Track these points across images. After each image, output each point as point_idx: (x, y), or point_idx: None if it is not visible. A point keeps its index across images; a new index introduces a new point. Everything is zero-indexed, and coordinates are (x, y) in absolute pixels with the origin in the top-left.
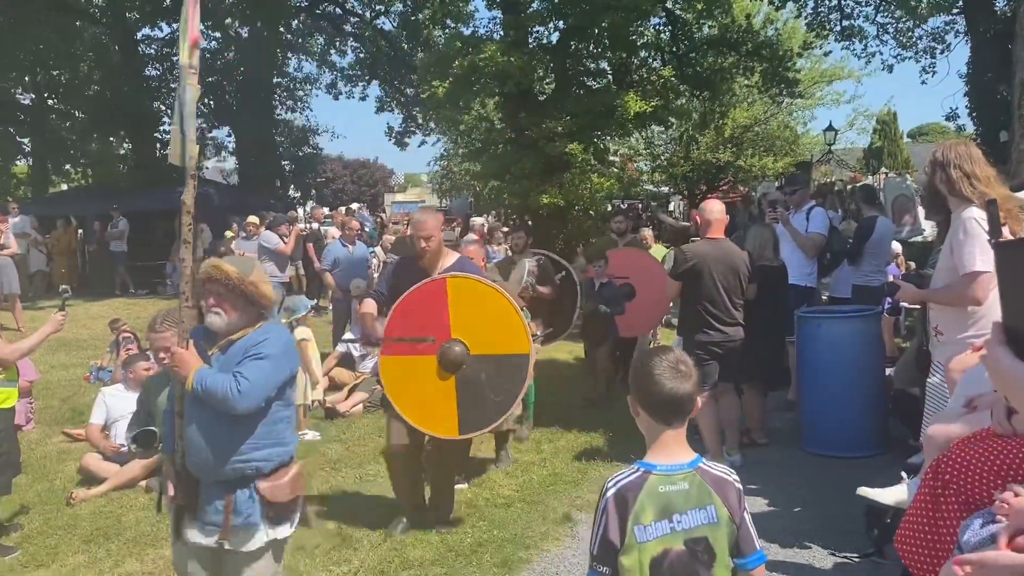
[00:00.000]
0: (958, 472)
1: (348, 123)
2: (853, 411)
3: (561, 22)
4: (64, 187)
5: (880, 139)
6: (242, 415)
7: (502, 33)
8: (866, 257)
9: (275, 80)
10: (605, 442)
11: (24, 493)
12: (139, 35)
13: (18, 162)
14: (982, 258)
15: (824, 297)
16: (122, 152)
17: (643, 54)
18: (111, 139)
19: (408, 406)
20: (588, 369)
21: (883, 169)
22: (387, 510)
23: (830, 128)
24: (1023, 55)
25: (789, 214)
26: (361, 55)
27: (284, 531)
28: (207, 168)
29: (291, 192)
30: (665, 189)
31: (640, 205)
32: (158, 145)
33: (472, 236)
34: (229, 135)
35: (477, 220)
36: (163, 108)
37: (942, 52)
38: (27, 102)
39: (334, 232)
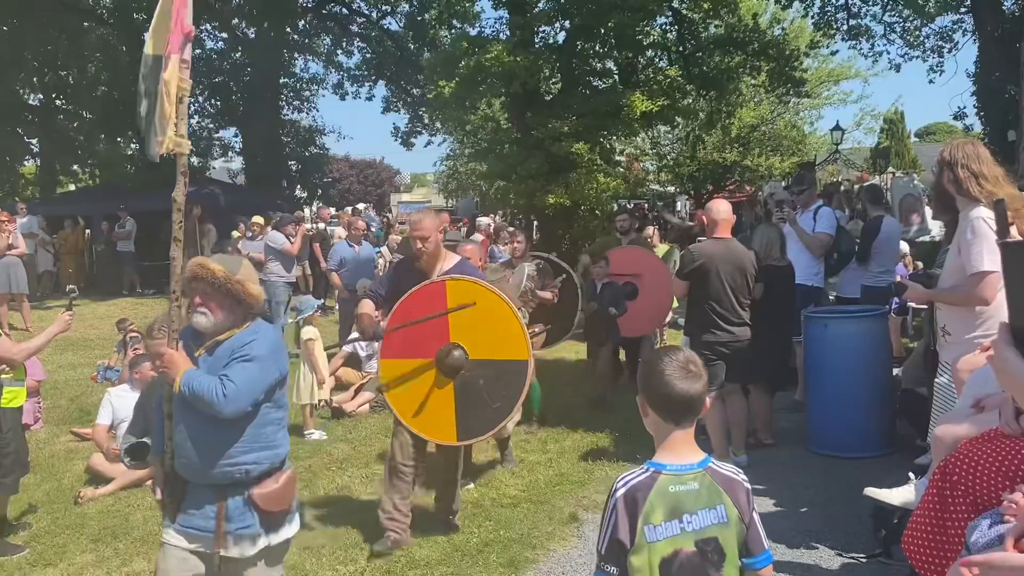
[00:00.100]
0: (966, 473)
1: (354, 123)
2: (860, 411)
3: (567, 22)
4: (72, 187)
5: (887, 139)
6: (230, 418)
7: (508, 33)
8: (874, 256)
9: (282, 80)
10: (611, 442)
11: (32, 492)
12: (146, 35)
13: (26, 162)
14: (990, 258)
15: (831, 297)
16: (129, 152)
17: (649, 54)
18: (118, 139)
19: (407, 411)
20: (590, 369)
21: (890, 169)
22: None
23: (837, 128)
24: None
25: (796, 214)
26: (367, 55)
27: (283, 535)
28: (214, 168)
29: (297, 192)
30: (671, 189)
31: (646, 205)
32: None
33: (477, 236)
34: (236, 135)
35: (483, 220)
36: None
37: (950, 51)
38: (35, 103)
39: (340, 232)
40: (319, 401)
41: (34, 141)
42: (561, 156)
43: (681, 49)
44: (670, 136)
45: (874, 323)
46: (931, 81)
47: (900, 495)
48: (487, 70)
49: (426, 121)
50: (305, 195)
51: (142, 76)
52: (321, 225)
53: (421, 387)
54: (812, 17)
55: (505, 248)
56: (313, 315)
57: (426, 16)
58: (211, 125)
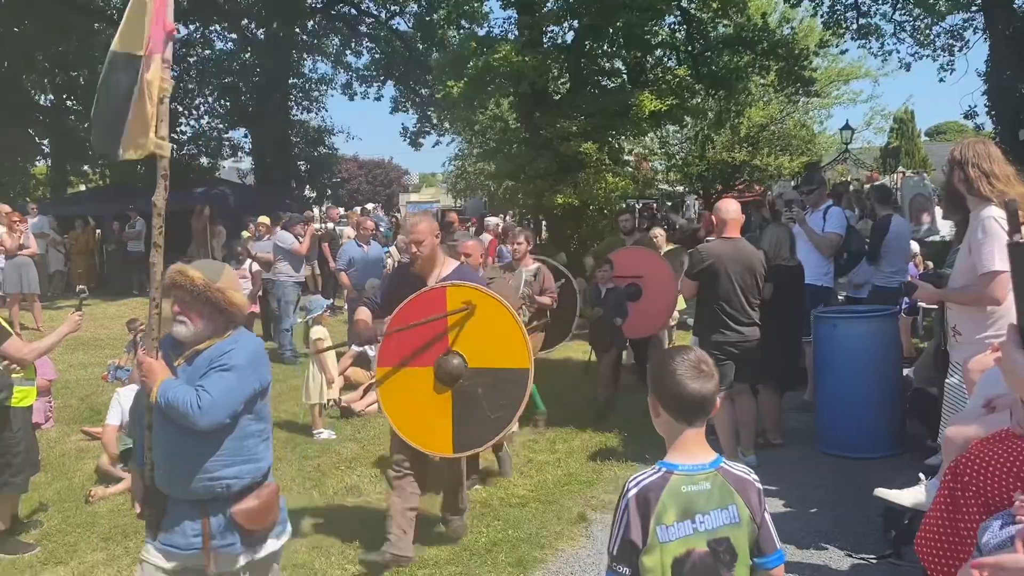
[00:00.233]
0: (977, 473)
1: (363, 124)
2: (870, 412)
3: (576, 22)
4: (82, 188)
5: (897, 138)
6: (206, 431)
7: (517, 33)
8: (885, 256)
9: (291, 81)
10: (620, 442)
11: (43, 491)
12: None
13: (37, 163)
14: (1001, 257)
15: (840, 297)
16: None
17: (658, 53)
18: None
19: (401, 420)
20: (594, 374)
21: (900, 168)
22: None
23: (847, 127)
24: None
25: (806, 214)
26: (376, 56)
27: (268, 548)
28: (224, 168)
29: (307, 192)
30: (680, 188)
31: (655, 204)
32: (174, 146)
33: (486, 236)
34: (245, 136)
35: (492, 220)
36: (180, 109)
37: (960, 50)
38: (46, 103)
39: (349, 232)
40: (328, 400)
41: (45, 141)
42: (570, 156)
43: (690, 48)
44: (679, 136)
45: (884, 323)
46: (941, 80)
47: (910, 496)
48: (495, 70)
49: (434, 121)
50: (314, 195)
51: (104, 75)
52: (330, 225)
53: (418, 396)
54: (821, 16)
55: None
56: (322, 315)
57: (435, 16)
58: (221, 125)
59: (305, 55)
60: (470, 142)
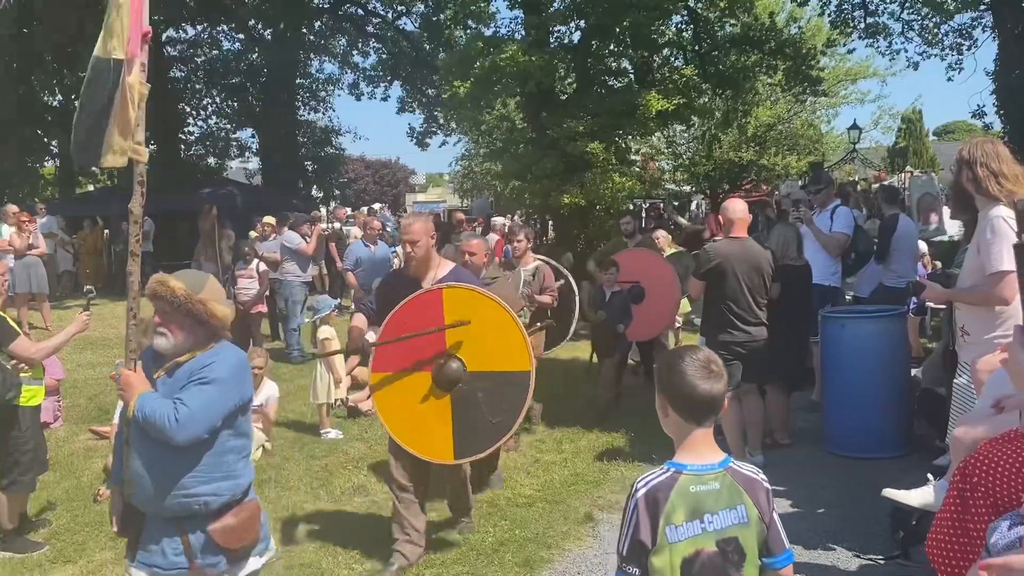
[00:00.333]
0: (986, 474)
1: (370, 124)
2: (877, 412)
3: (583, 21)
4: (90, 188)
5: (905, 138)
6: (184, 446)
7: (523, 33)
8: (894, 254)
9: (298, 81)
10: (626, 442)
11: (52, 490)
12: (163, 37)
13: (46, 163)
14: (1010, 257)
15: (848, 297)
16: None
17: (665, 53)
18: None
19: (399, 426)
20: (594, 378)
21: (908, 168)
22: None
23: (854, 127)
24: None
25: (813, 213)
26: (383, 56)
27: (250, 566)
28: (231, 168)
29: (314, 192)
30: (687, 188)
31: (661, 204)
32: (182, 147)
33: (493, 236)
34: (253, 136)
35: (499, 220)
36: (187, 110)
37: (969, 48)
38: (55, 104)
39: (356, 232)
40: (335, 400)
41: (54, 142)
42: (576, 156)
43: (697, 48)
44: (686, 135)
45: (892, 323)
46: (950, 79)
47: (919, 496)
48: (502, 70)
49: (441, 121)
50: (321, 195)
51: (88, 80)
52: (337, 225)
53: (415, 401)
54: (829, 15)
55: None
56: (330, 315)
57: (441, 16)
58: (228, 126)
59: (312, 55)
60: (477, 142)
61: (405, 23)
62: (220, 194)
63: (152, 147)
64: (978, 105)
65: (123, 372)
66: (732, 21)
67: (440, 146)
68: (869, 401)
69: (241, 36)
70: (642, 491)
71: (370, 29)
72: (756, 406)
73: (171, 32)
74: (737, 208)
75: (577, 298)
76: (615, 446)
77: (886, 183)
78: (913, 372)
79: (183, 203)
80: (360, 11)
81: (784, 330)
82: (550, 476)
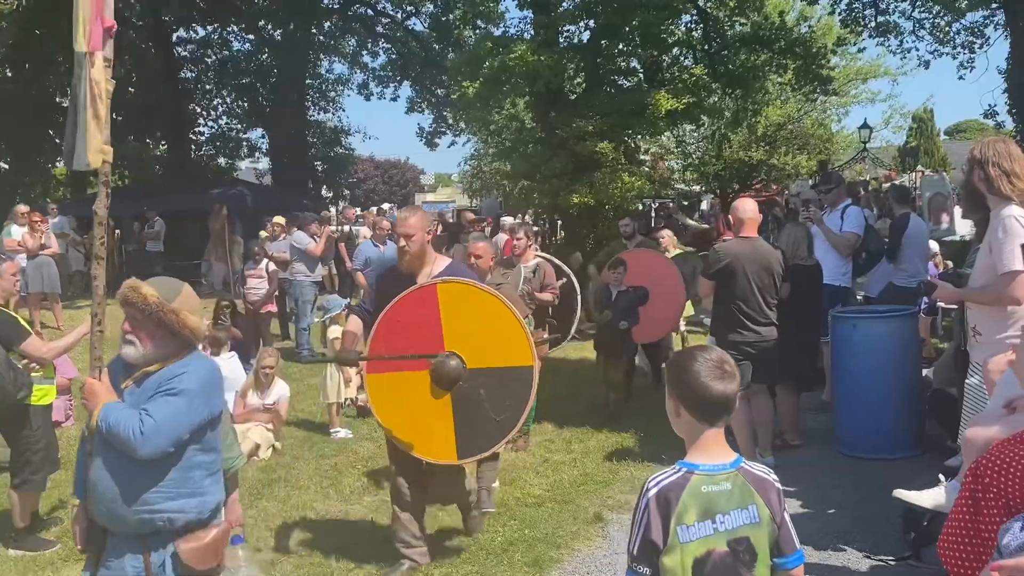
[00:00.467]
0: (998, 474)
1: (379, 124)
2: (888, 412)
3: (592, 21)
4: None
5: (916, 137)
6: (148, 460)
7: (532, 33)
8: (904, 254)
9: (308, 81)
10: (636, 442)
11: (63, 488)
12: (174, 38)
13: (58, 163)
14: (1021, 257)
15: (859, 297)
16: (157, 153)
17: (675, 52)
18: (147, 140)
19: (399, 428)
20: (598, 379)
21: (919, 167)
22: None
23: (865, 126)
24: None
25: (824, 213)
26: (392, 56)
27: None
28: (241, 169)
29: (323, 192)
30: (697, 188)
31: (671, 204)
32: (192, 147)
33: (502, 236)
34: (263, 136)
35: (508, 219)
36: (198, 110)
37: (980, 47)
38: (66, 104)
39: (365, 232)
40: (345, 399)
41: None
42: (585, 155)
43: (706, 47)
44: (695, 135)
45: (903, 323)
46: (961, 78)
47: (930, 497)
48: (511, 70)
49: (450, 121)
50: (331, 195)
51: (76, 77)
52: (346, 228)
53: (414, 401)
54: (839, 14)
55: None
56: (340, 314)
57: (450, 16)
58: (238, 126)
59: (322, 56)
60: (486, 142)
61: (414, 23)
62: (230, 194)
63: (163, 147)
64: (989, 104)
65: (88, 381)
66: (742, 20)
67: (449, 146)
68: (880, 401)
69: (251, 36)
70: (654, 491)
71: (379, 29)
72: (766, 406)
73: (181, 32)
74: (747, 208)
75: (579, 297)
76: (625, 446)
77: (897, 183)
78: (924, 372)
79: (194, 203)
80: (369, 11)
81: (794, 330)
82: (559, 476)
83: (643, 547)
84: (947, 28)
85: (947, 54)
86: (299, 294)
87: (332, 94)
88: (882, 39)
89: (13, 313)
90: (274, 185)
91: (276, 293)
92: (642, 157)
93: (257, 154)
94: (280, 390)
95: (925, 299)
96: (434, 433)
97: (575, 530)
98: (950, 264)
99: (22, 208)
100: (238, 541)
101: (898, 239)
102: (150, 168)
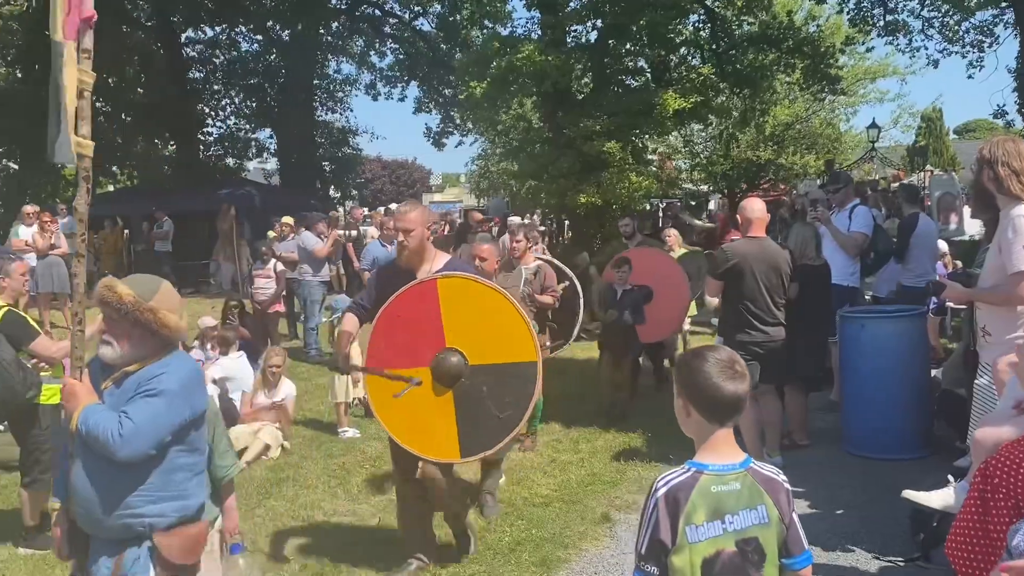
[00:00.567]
0: (1007, 475)
1: (387, 124)
2: (897, 413)
3: (599, 20)
4: (111, 188)
5: (925, 137)
6: (127, 463)
7: (540, 32)
8: (914, 253)
9: (315, 81)
10: (644, 442)
11: None
12: (182, 38)
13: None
14: None
15: (867, 297)
16: (166, 154)
17: (682, 52)
18: (156, 141)
19: (399, 427)
20: (599, 379)
21: (928, 166)
22: None
23: (873, 125)
24: None
25: (832, 213)
26: (400, 56)
27: None
28: (249, 169)
29: (331, 192)
30: (704, 188)
31: (679, 204)
32: (201, 147)
33: (508, 236)
34: (271, 136)
35: (515, 220)
36: (206, 110)
37: (990, 46)
38: None
39: (373, 232)
40: (353, 399)
41: None
42: (593, 155)
43: (714, 47)
44: (703, 134)
45: (912, 323)
46: (970, 77)
47: (939, 498)
48: (519, 70)
49: (458, 121)
50: (338, 195)
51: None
52: (353, 233)
53: (415, 399)
54: (848, 13)
55: (536, 248)
56: None
57: (458, 17)
58: (247, 126)
59: (329, 56)
60: (493, 142)
61: (422, 23)
62: (238, 194)
63: (172, 148)
64: (999, 104)
65: (68, 382)
66: (749, 19)
67: (456, 146)
68: (889, 402)
69: (259, 37)
70: (662, 490)
71: (387, 30)
72: (774, 406)
73: (190, 33)
74: (755, 208)
75: (581, 300)
76: (632, 446)
77: (906, 182)
78: (933, 373)
79: (202, 203)
80: (377, 12)
81: (803, 330)
82: (567, 476)
83: (651, 546)
84: (956, 27)
85: (956, 53)
86: (307, 294)
87: (340, 94)
88: (891, 38)
89: (22, 313)
90: (282, 185)
91: (284, 293)
92: (649, 157)
93: (265, 154)
94: (287, 389)
95: (934, 299)
96: (436, 431)
97: (583, 530)
98: (959, 264)
99: (30, 208)
100: (237, 550)
101: (907, 239)
102: (159, 168)
